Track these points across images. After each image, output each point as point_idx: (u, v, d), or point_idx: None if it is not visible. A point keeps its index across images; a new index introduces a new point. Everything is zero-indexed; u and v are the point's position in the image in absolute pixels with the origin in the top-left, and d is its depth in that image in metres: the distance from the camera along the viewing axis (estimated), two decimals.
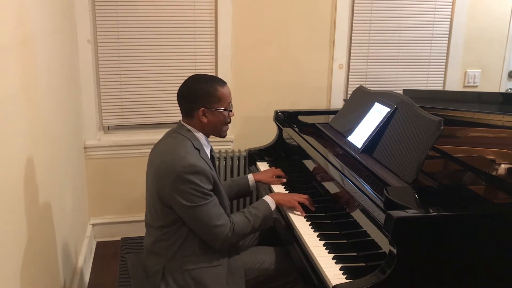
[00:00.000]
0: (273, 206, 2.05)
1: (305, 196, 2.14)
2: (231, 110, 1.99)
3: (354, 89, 2.67)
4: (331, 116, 2.75)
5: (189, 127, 1.95)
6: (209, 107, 1.92)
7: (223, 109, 1.95)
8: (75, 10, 2.87)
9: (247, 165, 2.91)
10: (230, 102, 1.98)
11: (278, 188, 2.37)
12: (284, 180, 2.42)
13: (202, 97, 1.91)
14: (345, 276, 1.64)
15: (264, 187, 2.46)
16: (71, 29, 2.79)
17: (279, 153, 2.84)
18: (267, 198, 2.07)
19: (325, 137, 2.46)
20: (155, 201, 1.90)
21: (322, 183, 2.20)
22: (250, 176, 2.40)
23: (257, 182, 2.40)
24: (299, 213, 2.09)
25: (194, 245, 1.90)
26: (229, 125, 2.02)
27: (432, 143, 1.81)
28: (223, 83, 1.96)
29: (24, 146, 1.66)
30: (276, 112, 2.90)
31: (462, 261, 1.57)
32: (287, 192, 2.33)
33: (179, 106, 1.97)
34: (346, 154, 2.19)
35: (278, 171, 2.47)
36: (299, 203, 2.11)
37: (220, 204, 1.91)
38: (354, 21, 3.26)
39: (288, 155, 2.77)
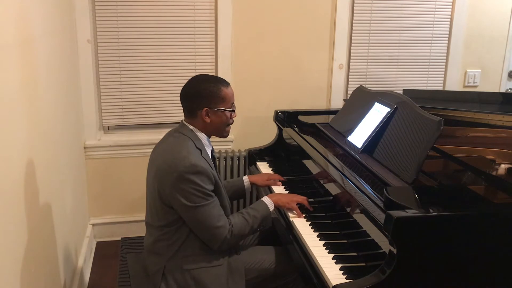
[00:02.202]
0: (271, 207, 2.05)
1: (304, 197, 2.14)
2: (234, 111, 2.00)
3: (354, 89, 2.67)
4: (331, 116, 2.75)
5: (191, 127, 1.95)
6: (212, 107, 1.92)
7: (226, 110, 1.95)
8: (75, 10, 2.87)
9: (247, 165, 2.91)
10: (233, 102, 1.99)
11: (278, 188, 2.37)
12: (279, 183, 2.41)
13: (205, 97, 1.91)
14: (345, 276, 1.64)
15: (264, 188, 2.46)
16: (71, 29, 2.79)
17: (279, 153, 2.84)
18: (266, 199, 2.07)
19: (325, 137, 2.46)
20: (156, 201, 1.90)
21: (322, 183, 2.20)
22: (246, 178, 2.40)
23: (252, 184, 2.40)
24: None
25: (194, 245, 1.90)
26: (230, 126, 2.02)
27: (432, 143, 1.81)
28: (226, 83, 1.97)
29: (24, 146, 1.66)
30: (276, 112, 2.90)
31: (462, 261, 1.57)
32: (287, 192, 2.33)
33: (182, 105, 1.97)
34: (346, 154, 2.19)
35: (275, 176, 2.46)
36: (298, 204, 2.11)
37: (220, 205, 1.92)
38: (354, 21, 3.26)
39: (288, 155, 2.77)
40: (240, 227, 1.92)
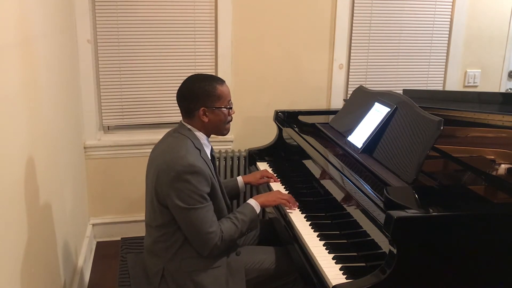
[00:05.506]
0: (258, 209, 2.03)
1: (289, 194, 2.16)
2: (231, 108, 1.99)
3: (354, 89, 2.67)
4: (331, 116, 2.75)
5: (190, 126, 1.95)
6: (209, 106, 1.92)
7: (223, 108, 1.95)
8: (75, 10, 2.87)
9: (247, 165, 2.91)
10: (230, 100, 1.98)
11: (277, 185, 2.37)
12: (273, 180, 2.41)
13: (201, 97, 1.91)
14: (345, 276, 1.64)
15: (263, 186, 2.46)
16: (71, 29, 2.79)
17: (279, 153, 2.84)
18: (252, 202, 2.05)
19: (325, 137, 2.46)
20: (153, 201, 1.89)
21: (322, 183, 2.20)
22: (239, 178, 2.39)
23: (246, 184, 2.40)
24: (298, 211, 2.09)
25: (192, 247, 1.89)
26: (230, 123, 2.02)
27: (432, 143, 1.81)
28: (221, 81, 1.97)
29: (24, 146, 1.66)
30: (276, 112, 2.90)
31: (462, 261, 1.57)
32: (287, 192, 2.33)
33: (179, 107, 1.97)
34: (346, 154, 2.19)
35: (268, 173, 2.46)
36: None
37: (217, 207, 1.92)
38: (354, 21, 3.26)
39: (288, 155, 2.77)
40: (230, 232, 1.91)
